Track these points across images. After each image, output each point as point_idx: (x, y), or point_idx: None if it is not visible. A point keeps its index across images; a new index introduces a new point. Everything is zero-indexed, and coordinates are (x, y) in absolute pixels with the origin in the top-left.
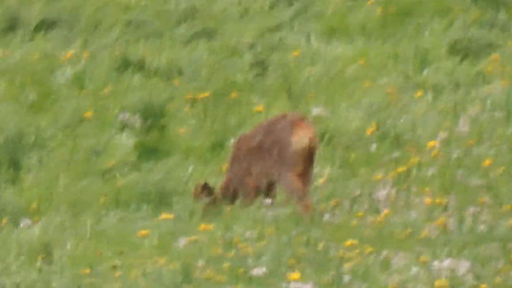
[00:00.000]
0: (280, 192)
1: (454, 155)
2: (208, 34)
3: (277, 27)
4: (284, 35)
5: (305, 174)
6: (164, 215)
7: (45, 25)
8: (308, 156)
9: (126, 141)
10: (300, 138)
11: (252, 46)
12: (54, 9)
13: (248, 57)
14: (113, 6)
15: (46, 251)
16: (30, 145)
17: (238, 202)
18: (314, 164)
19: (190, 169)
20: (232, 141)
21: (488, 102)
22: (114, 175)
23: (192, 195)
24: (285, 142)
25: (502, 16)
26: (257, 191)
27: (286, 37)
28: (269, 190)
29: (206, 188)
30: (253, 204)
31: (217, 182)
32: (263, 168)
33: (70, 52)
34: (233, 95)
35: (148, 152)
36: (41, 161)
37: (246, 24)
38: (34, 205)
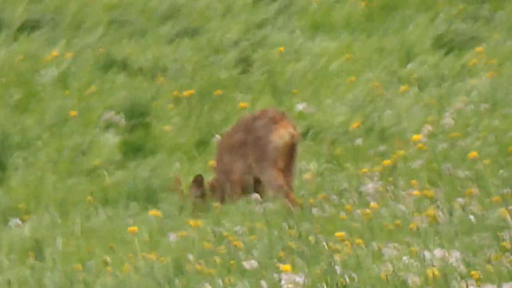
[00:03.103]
0: (266, 187)
1: (440, 148)
2: (192, 31)
3: (261, 24)
4: (268, 31)
5: (288, 169)
6: (152, 212)
7: (28, 26)
8: (289, 152)
9: (111, 139)
10: (280, 135)
11: (236, 43)
12: (38, 9)
13: (232, 54)
14: (96, 5)
15: (37, 248)
16: (16, 145)
17: (226, 198)
18: (296, 159)
19: (176, 166)
20: (217, 137)
21: (473, 94)
22: (101, 173)
23: (172, 187)
24: (265, 139)
25: (486, 8)
26: (243, 187)
27: (270, 34)
28: (256, 186)
29: (197, 181)
30: (241, 199)
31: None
32: (245, 165)
33: (54, 52)
34: (218, 92)
35: (134, 150)
36: (27, 161)
37: (230, 21)
38: (22, 205)
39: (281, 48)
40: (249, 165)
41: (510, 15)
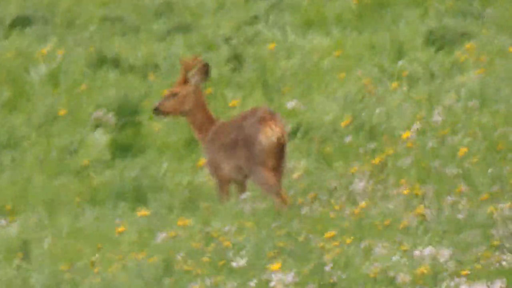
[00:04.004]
0: (255, 187)
1: (430, 145)
2: (184, 28)
3: (253, 20)
4: (260, 28)
5: (277, 168)
6: (141, 212)
7: (20, 22)
8: (278, 151)
9: (101, 138)
10: (268, 135)
11: (228, 40)
12: (29, 6)
13: (224, 51)
14: (88, 2)
15: (24, 249)
16: (4, 144)
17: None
18: (286, 158)
19: (165, 165)
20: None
21: (463, 91)
22: (89, 173)
23: (184, 64)
24: (254, 138)
25: (476, 4)
26: (230, 185)
27: (262, 30)
28: (242, 184)
29: (203, 68)
30: (229, 198)
31: (193, 178)
32: (235, 163)
33: (45, 49)
34: (209, 89)
35: (123, 149)
36: (15, 160)
37: (222, 18)
38: (9, 205)
39: (273, 45)
40: (238, 164)
41: (500, 11)
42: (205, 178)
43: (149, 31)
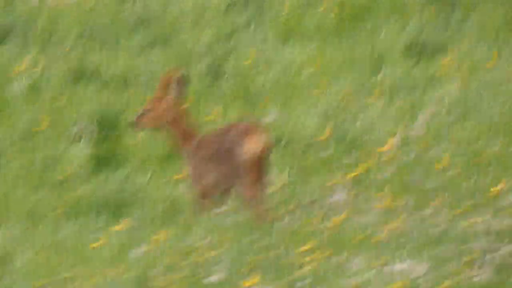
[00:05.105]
0: (236, 199)
1: (411, 157)
2: (162, 41)
3: (232, 32)
4: (239, 40)
5: (259, 181)
6: (120, 225)
7: None
8: (261, 163)
9: (82, 151)
10: (251, 147)
11: (207, 52)
12: (8, 19)
13: (203, 63)
14: (67, 15)
15: (3, 261)
16: None
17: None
18: (268, 170)
19: (147, 177)
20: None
21: (444, 103)
22: (71, 185)
23: (163, 77)
24: (238, 149)
25: (457, 16)
26: (211, 197)
27: (241, 42)
28: (224, 196)
29: (179, 80)
30: (208, 210)
31: (173, 191)
32: (217, 175)
33: (25, 62)
34: (189, 101)
35: (104, 161)
36: None
37: (201, 30)
38: None
39: (252, 57)
40: (221, 176)
41: (480, 22)
42: (186, 191)
43: (128, 45)
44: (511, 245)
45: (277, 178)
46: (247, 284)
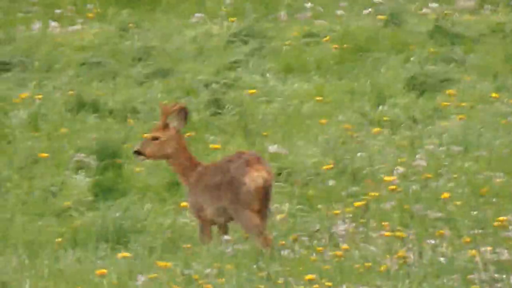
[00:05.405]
0: (238, 229)
1: (412, 189)
2: (163, 73)
3: (233, 65)
4: (240, 73)
5: (261, 211)
6: (122, 254)
7: None
8: (263, 194)
9: (82, 181)
10: (254, 178)
11: (207, 85)
12: (8, 51)
13: (203, 96)
14: (66, 47)
15: None
16: None
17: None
18: (270, 201)
19: (147, 207)
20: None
21: (445, 136)
22: (71, 215)
23: (163, 109)
24: (239, 181)
25: (458, 50)
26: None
27: (242, 75)
28: (225, 226)
29: (181, 112)
30: (210, 239)
31: (176, 219)
32: (218, 206)
33: (25, 94)
34: (190, 133)
35: (105, 191)
36: None
37: (202, 63)
38: None
39: (253, 90)
40: (222, 207)
41: (481, 57)
42: (187, 220)
43: (128, 76)
44: None
45: (280, 208)
46: None
